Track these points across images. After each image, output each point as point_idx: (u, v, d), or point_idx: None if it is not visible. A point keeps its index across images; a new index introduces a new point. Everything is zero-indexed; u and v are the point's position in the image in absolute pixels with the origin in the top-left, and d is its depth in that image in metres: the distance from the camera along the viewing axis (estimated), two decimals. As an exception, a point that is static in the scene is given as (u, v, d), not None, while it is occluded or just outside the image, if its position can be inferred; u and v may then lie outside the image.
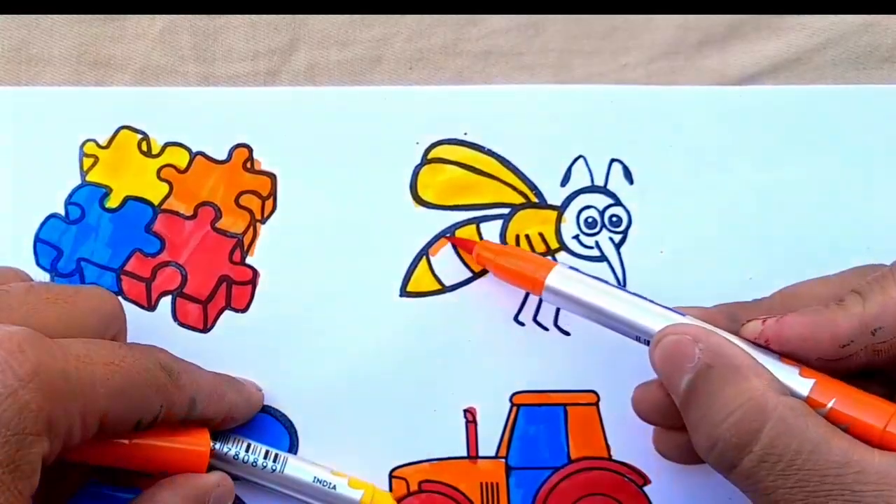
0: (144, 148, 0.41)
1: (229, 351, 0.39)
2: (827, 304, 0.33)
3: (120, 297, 0.39)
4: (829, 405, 0.31)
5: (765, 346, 0.33)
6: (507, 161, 0.41)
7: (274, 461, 0.38)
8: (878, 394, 0.32)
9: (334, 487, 0.38)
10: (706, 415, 0.31)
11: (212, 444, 0.37)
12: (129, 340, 0.36)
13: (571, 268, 0.37)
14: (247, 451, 0.37)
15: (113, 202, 0.40)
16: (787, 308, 0.34)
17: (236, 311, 0.40)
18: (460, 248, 0.40)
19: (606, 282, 0.36)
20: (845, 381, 0.32)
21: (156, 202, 0.40)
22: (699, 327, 0.33)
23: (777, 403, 0.30)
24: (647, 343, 0.34)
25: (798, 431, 0.30)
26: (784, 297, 0.35)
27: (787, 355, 0.32)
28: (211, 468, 0.37)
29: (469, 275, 0.40)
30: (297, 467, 0.38)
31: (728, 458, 0.31)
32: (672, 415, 0.33)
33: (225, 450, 0.37)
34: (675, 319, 0.34)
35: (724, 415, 0.31)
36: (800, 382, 0.32)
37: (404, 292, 0.40)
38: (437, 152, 0.41)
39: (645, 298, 0.35)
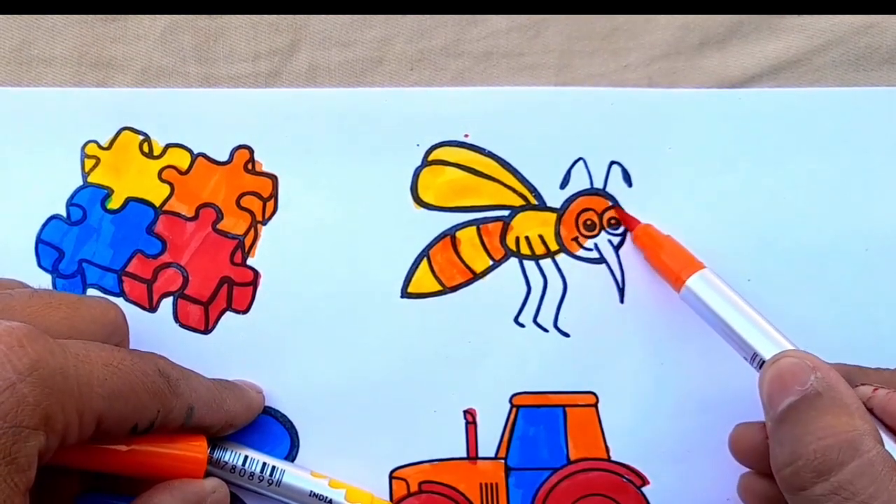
0: (146, 149, 0.41)
1: (230, 352, 0.40)
2: None
3: (121, 300, 0.39)
4: None
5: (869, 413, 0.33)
6: (507, 163, 0.41)
7: (271, 474, 0.38)
8: None
9: (329, 501, 0.38)
10: (799, 433, 0.31)
11: (209, 451, 0.37)
12: (131, 344, 0.36)
13: (718, 277, 0.37)
14: (244, 463, 0.38)
15: (114, 203, 0.40)
16: None
17: (237, 312, 0.40)
18: (622, 221, 0.40)
19: (745, 299, 0.36)
20: None
21: (157, 203, 0.41)
22: (820, 360, 0.33)
23: (872, 448, 0.30)
24: (759, 368, 0.34)
25: (881, 480, 0.30)
26: None
27: (888, 428, 0.32)
28: (208, 476, 0.37)
29: (469, 276, 0.41)
30: (294, 479, 0.38)
31: (801, 479, 0.31)
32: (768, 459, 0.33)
33: (222, 459, 0.37)
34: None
35: (817, 437, 0.31)
36: (894, 450, 0.32)
37: (405, 293, 0.40)
38: (437, 154, 0.41)
39: (774, 327, 0.35)
